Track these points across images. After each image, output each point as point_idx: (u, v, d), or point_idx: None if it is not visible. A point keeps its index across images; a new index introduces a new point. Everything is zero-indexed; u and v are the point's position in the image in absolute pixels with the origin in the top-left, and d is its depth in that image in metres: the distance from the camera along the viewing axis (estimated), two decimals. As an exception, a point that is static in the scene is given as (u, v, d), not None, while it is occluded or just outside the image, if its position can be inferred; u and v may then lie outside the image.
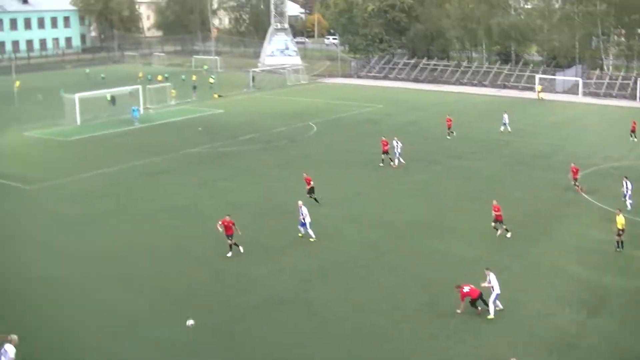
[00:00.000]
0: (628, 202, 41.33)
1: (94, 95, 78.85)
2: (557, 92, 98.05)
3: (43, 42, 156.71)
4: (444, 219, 40.69)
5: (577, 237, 37.57)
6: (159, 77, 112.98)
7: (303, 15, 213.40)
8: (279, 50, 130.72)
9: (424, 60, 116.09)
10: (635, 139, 62.49)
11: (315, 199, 42.62)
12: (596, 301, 29.56)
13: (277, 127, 69.94)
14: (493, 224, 37.22)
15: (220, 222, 34.45)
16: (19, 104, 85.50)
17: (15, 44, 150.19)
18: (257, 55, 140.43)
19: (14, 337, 22.04)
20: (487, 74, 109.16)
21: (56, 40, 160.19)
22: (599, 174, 50.99)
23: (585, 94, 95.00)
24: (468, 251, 35.16)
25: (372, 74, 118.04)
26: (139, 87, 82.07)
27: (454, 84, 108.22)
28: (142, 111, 78.67)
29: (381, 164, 53.24)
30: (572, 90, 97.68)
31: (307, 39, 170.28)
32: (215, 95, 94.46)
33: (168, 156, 57.03)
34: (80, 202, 44.35)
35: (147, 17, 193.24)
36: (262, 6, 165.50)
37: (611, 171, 51.84)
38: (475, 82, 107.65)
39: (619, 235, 34.80)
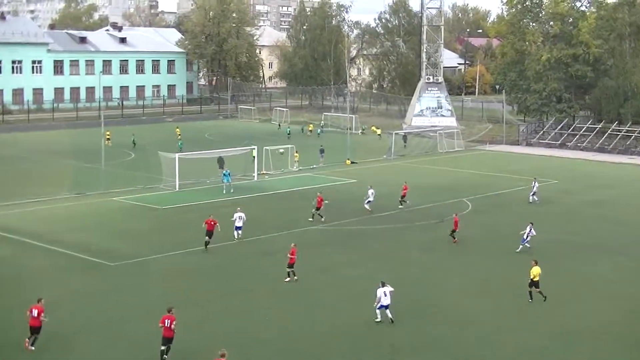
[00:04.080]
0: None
1: (197, 156, 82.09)
2: None
3: (141, 90, 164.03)
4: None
5: None
6: (310, 127, 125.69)
7: (462, 68, 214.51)
8: (429, 109, 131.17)
9: (614, 125, 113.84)
10: None
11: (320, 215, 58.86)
12: None
13: (423, 203, 70.02)
14: None
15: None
16: (108, 161, 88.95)
17: (108, 90, 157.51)
18: (402, 115, 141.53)
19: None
20: None
21: (157, 87, 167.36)
22: None
23: None
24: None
25: (546, 141, 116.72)
26: (255, 147, 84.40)
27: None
28: (256, 177, 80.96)
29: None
30: None
31: (465, 97, 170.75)
32: (348, 162, 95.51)
33: (283, 233, 57.98)
34: (173, 285, 45.48)
35: (269, 65, 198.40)
36: (411, 55, 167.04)
37: None
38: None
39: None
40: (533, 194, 71.59)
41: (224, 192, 74.66)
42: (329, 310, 41.29)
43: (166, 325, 34.17)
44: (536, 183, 72.29)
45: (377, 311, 38.96)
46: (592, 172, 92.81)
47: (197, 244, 53.90)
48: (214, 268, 49.23)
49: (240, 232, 55.95)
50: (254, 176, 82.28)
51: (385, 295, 38.86)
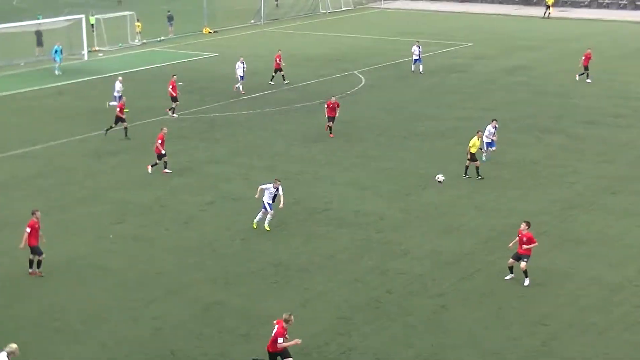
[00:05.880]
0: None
1: (5, 30, 79.54)
2: None
3: None
4: (566, 222, 40.38)
5: None
6: None
7: None
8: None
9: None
10: None
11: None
12: None
13: (303, 80, 70.08)
14: None
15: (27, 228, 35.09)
16: None
17: None
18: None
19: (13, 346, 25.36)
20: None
21: None
22: None
23: None
24: (611, 275, 34.74)
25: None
26: (82, 17, 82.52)
27: (588, 5, 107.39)
28: (86, 55, 79.49)
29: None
30: None
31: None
32: (206, 30, 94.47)
33: (126, 126, 56.91)
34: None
35: None
36: None
37: None
38: (625, 2, 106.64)
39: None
40: (416, 62, 72.35)
41: (57, 72, 73.45)
42: (190, 225, 40.76)
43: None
44: (419, 48, 72.28)
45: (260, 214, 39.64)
46: (513, 30, 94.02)
47: (15, 146, 52.98)
48: (33, 178, 47.75)
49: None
50: (83, 54, 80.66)
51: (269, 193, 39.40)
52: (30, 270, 35.09)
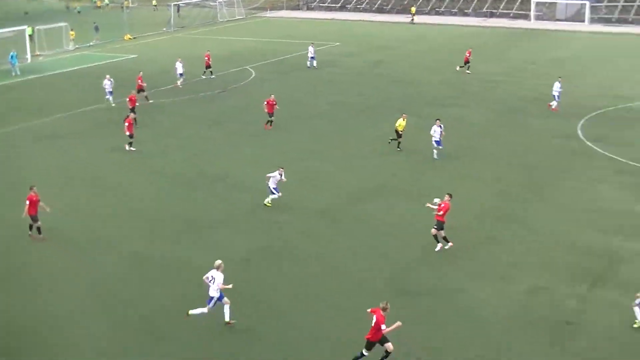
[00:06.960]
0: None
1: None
2: (558, 20, 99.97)
3: None
4: (418, 181, 41.54)
5: (581, 195, 38.84)
6: (99, 3, 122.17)
7: None
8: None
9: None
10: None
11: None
12: (601, 270, 30.62)
13: (206, 74, 69.99)
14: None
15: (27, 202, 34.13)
16: None
17: None
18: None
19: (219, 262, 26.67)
20: (470, 0, 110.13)
21: None
22: (607, 118, 52.90)
23: (593, 20, 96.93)
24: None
25: (326, 4, 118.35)
26: (25, 27, 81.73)
27: (428, 13, 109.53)
28: (29, 59, 78.74)
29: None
30: (577, 16, 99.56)
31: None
32: (127, 37, 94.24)
33: (65, 115, 56.94)
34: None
35: None
36: None
37: (622, 114, 53.91)
38: (455, 10, 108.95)
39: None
40: (311, 59, 73.08)
41: (13, 74, 72.28)
42: (121, 192, 40.80)
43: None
44: (312, 47, 73.52)
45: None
46: (372, 33, 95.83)
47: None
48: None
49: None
50: (27, 58, 79.71)
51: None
52: (30, 233, 34.38)
